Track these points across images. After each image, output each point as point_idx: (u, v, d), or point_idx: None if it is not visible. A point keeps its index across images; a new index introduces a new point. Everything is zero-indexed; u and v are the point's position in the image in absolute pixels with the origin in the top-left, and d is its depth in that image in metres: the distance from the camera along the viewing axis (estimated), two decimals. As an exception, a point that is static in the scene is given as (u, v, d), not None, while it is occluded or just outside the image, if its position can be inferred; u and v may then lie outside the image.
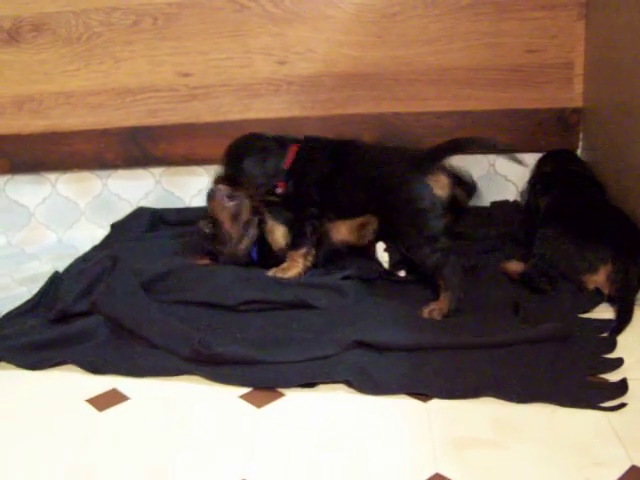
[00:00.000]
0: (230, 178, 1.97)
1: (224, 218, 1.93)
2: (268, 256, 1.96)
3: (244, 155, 1.96)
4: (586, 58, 2.24)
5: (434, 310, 1.65)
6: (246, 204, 1.94)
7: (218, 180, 1.99)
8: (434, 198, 1.73)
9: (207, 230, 1.95)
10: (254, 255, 1.98)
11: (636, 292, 1.67)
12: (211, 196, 1.96)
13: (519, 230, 2.08)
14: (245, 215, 1.94)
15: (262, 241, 1.97)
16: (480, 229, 2.14)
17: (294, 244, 1.93)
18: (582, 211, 1.85)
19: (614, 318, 1.60)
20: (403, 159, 1.81)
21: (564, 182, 2.03)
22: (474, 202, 2.38)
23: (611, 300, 1.68)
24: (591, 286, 1.70)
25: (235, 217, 1.93)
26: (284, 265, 1.90)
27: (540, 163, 2.23)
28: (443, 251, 1.69)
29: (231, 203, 1.93)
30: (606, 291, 1.69)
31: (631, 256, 1.70)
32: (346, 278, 1.84)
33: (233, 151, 2.00)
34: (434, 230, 1.71)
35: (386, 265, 1.88)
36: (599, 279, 1.69)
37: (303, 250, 1.91)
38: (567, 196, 1.95)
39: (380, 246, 1.90)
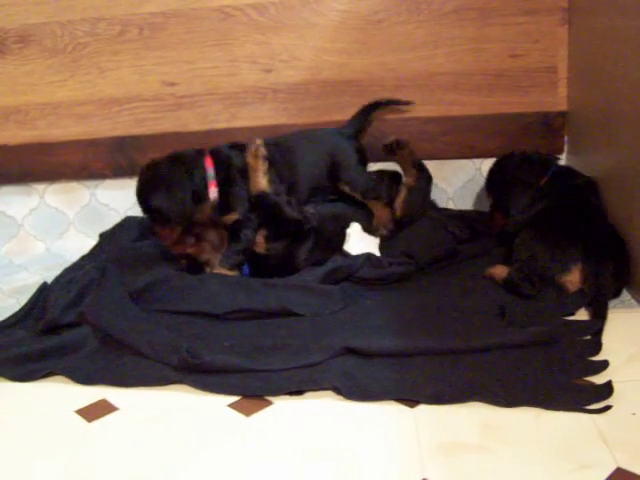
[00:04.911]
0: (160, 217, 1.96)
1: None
2: (261, 268, 1.97)
3: (154, 193, 1.92)
4: (569, 62, 2.26)
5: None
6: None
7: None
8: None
9: None
10: (245, 271, 1.97)
11: (609, 290, 1.69)
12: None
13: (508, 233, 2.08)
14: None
15: (253, 255, 1.98)
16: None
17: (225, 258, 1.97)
18: (562, 215, 1.85)
19: (589, 318, 1.63)
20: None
21: (565, 187, 2.01)
22: (460, 206, 2.41)
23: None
24: (571, 287, 1.72)
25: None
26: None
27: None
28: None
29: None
30: (587, 290, 1.70)
31: (602, 254, 1.71)
32: (332, 274, 1.86)
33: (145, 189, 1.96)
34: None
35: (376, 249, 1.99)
36: (575, 279, 1.71)
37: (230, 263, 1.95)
38: (562, 201, 1.94)
39: (355, 230, 1.99)
